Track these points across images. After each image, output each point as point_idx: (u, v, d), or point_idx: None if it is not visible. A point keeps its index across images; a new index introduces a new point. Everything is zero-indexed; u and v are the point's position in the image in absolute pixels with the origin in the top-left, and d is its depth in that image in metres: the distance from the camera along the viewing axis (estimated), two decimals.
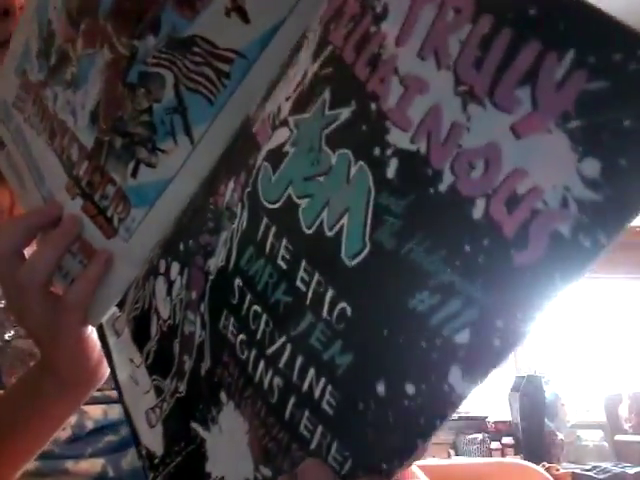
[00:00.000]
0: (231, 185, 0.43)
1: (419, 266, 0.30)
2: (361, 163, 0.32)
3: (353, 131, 0.33)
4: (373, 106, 0.32)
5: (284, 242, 0.38)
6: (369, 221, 0.32)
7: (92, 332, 0.61)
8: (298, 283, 0.37)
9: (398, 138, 0.30)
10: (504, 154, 0.26)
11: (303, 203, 0.36)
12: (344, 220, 0.34)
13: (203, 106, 0.48)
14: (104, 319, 0.60)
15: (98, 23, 0.52)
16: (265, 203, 0.39)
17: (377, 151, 0.31)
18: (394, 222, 0.31)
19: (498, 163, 0.27)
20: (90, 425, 0.82)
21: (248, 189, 0.40)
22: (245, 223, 0.41)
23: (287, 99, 0.38)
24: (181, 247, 0.49)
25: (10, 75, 0.65)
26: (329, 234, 0.35)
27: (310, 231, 0.36)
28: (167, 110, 0.50)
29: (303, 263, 0.37)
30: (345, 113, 0.33)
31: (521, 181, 0.26)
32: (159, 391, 0.53)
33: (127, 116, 0.52)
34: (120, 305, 0.59)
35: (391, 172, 0.31)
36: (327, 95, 0.34)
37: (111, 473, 0.81)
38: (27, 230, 0.58)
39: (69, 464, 0.80)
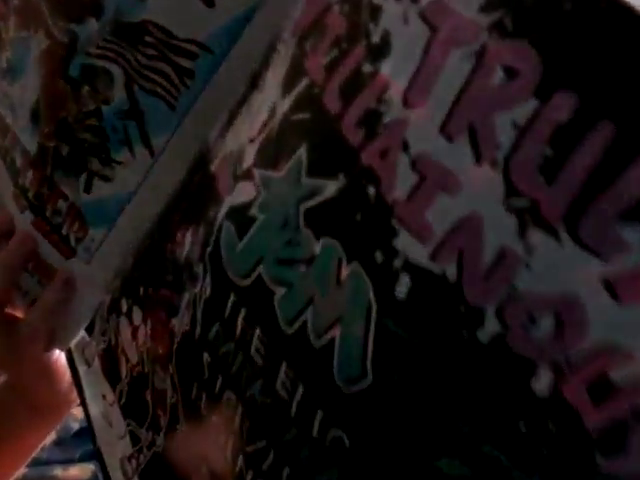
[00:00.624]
0: (189, 237, 0.32)
1: (448, 427, 0.20)
2: (356, 264, 0.21)
3: (343, 217, 0.21)
4: (371, 190, 0.20)
5: (258, 332, 0.28)
6: (370, 343, 0.22)
7: (60, 355, 0.53)
8: (278, 387, 0.28)
9: (411, 248, 0.19)
10: (590, 316, 0.15)
11: (279, 291, 0.26)
12: (336, 332, 0.23)
13: (163, 111, 0.37)
14: (72, 343, 0.52)
15: (31, 0, 0.40)
16: (231, 275, 0.28)
17: (379, 257, 0.20)
18: (407, 356, 0.21)
19: (579, 327, 0.16)
20: (75, 426, 0.79)
21: (209, 248, 0.30)
22: (209, 291, 0.30)
23: (251, 141, 0.26)
24: (141, 291, 0.39)
25: None
26: (316, 344, 0.24)
27: (290, 331, 0.26)
28: (119, 114, 0.39)
29: (283, 367, 0.27)
30: (330, 188, 0.21)
31: (618, 363, 0.15)
32: (135, 439, 0.46)
33: (72, 118, 0.41)
34: (89, 330, 0.51)
35: (402, 291, 0.20)
36: (304, 153, 0.23)
37: (101, 479, 0.78)
38: None
39: (58, 470, 0.77)
